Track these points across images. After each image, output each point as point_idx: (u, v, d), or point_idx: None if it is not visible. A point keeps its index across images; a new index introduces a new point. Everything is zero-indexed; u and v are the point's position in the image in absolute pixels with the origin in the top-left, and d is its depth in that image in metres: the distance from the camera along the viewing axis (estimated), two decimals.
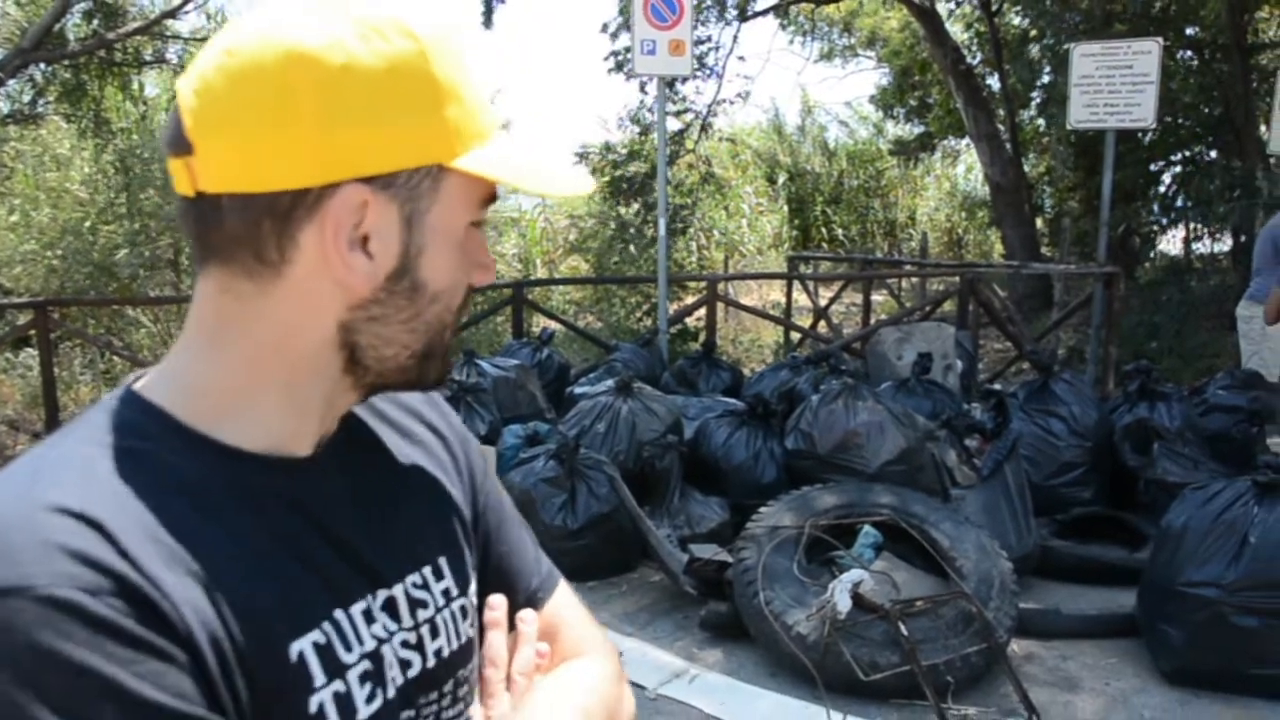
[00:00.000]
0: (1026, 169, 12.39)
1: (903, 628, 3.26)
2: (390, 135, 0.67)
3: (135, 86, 12.26)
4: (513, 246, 14.11)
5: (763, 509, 3.98)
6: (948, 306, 8.10)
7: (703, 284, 8.23)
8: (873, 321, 8.89)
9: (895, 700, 3.26)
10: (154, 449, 0.68)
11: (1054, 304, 9.33)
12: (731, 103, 11.20)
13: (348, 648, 0.72)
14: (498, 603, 0.85)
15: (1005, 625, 3.45)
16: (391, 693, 0.74)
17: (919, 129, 17.96)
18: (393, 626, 0.76)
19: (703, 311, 7.74)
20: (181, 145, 0.67)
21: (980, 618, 3.38)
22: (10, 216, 8.33)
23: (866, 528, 3.87)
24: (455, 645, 0.82)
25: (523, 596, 0.93)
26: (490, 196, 0.75)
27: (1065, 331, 9.45)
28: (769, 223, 19.40)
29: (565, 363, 6.81)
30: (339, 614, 0.72)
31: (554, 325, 7.82)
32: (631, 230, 10.75)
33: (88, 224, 7.81)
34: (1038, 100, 10.52)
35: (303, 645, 0.69)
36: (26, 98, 12.01)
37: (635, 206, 10.94)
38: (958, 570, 3.63)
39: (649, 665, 3.60)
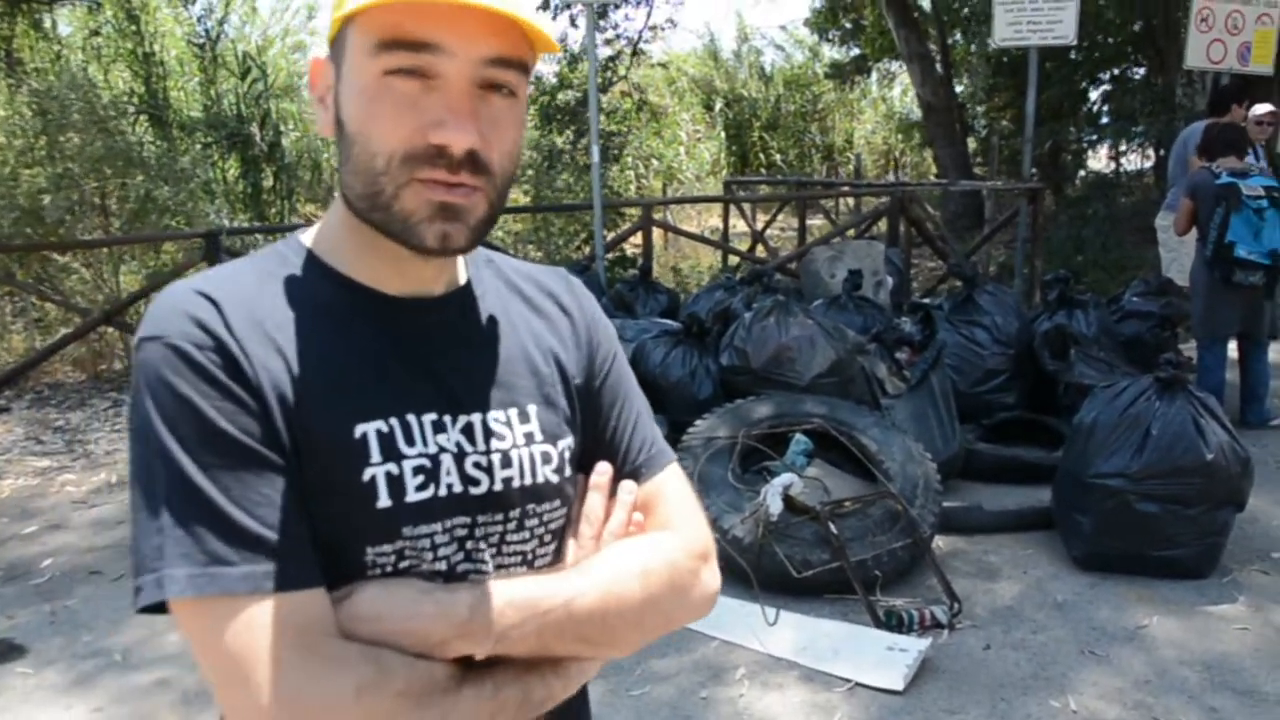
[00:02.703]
0: (959, 89, 12.53)
1: (832, 527, 3.42)
2: (332, 11, 0.83)
3: (49, 25, 11.83)
4: None
5: (699, 421, 4.11)
6: (881, 226, 8.25)
7: (639, 210, 8.26)
8: (808, 243, 9.00)
9: (827, 595, 3.44)
10: (289, 272, 0.88)
11: (985, 221, 9.53)
12: (663, 29, 11.11)
13: (409, 443, 0.85)
14: (603, 469, 0.98)
15: (929, 522, 3.64)
16: (443, 492, 0.86)
17: (855, 52, 17.98)
18: (468, 447, 0.88)
19: (640, 238, 7.79)
20: None
21: (905, 516, 3.56)
22: None
23: (798, 436, 4.02)
24: (529, 481, 0.92)
25: (627, 468, 1.01)
26: (387, 41, 0.78)
27: (996, 248, 9.68)
28: (706, 149, 19.40)
29: None
30: (409, 417, 0.86)
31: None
32: (565, 158, 10.70)
33: (8, 169, 7.59)
34: (965, 18, 10.60)
35: (367, 428, 0.83)
36: None
37: (568, 134, 10.88)
38: (885, 473, 3.80)
39: None
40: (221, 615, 0.76)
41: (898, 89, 21.20)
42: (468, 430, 0.89)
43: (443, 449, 0.87)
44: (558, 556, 0.96)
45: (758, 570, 3.44)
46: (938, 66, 11.63)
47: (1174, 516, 3.45)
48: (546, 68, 11.45)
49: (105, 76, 11.42)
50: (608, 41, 10.88)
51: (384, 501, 0.83)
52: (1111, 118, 9.95)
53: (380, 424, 0.84)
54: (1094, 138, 10.13)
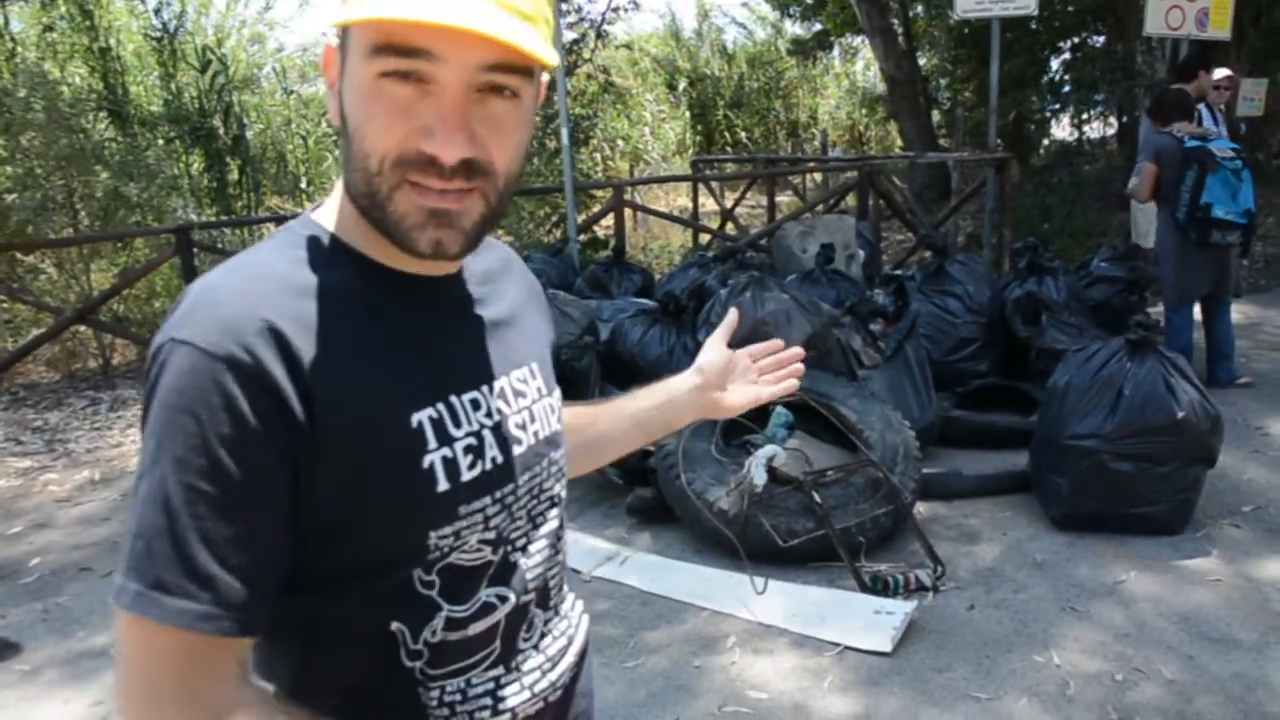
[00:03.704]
0: (922, 62, 12.60)
1: (816, 496, 3.48)
2: (340, 8, 0.81)
3: (0, 22, 11.59)
4: None
5: None
6: (850, 200, 8.32)
7: (609, 191, 8.27)
8: (778, 219, 9.06)
9: (813, 564, 3.51)
10: (320, 259, 0.87)
11: (952, 192, 9.62)
12: (628, 10, 11.09)
13: (457, 425, 0.89)
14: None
15: (910, 488, 3.71)
16: (489, 465, 0.91)
17: (817, 28, 18.00)
18: (506, 409, 0.94)
19: (611, 219, 7.81)
20: None
21: (887, 483, 3.63)
22: None
23: (778, 408, 4.07)
24: (549, 431, 1.00)
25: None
26: (382, 45, 0.78)
27: (964, 219, 9.78)
28: (672, 130, 19.40)
29: None
30: (453, 398, 0.89)
31: None
32: (534, 144, 10.67)
33: None
34: None
35: (421, 416, 0.86)
36: None
37: (536, 118, 10.84)
38: (865, 442, 3.87)
39: (583, 552, 3.78)
40: (147, 638, 0.77)
41: (860, 64, 21.26)
42: (503, 394, 0.95)
43: (483, 425, 0.91)
44: (563, 497, 1.06)
45: (744, 541, 3.49)
46: (900, 40, 11.69)
47: (1147, 475, 3.54)
48: None
49: (62, 73, 11.24)
50: (571, 25, 10.84)
51: (443, 485, 0.86)
52: (1072, 86, 10.04)
53: (430, 411, 0.87)
54: (1056, 107, 10.23)
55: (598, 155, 15.72)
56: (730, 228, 9.37)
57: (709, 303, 5.05)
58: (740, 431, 4.08)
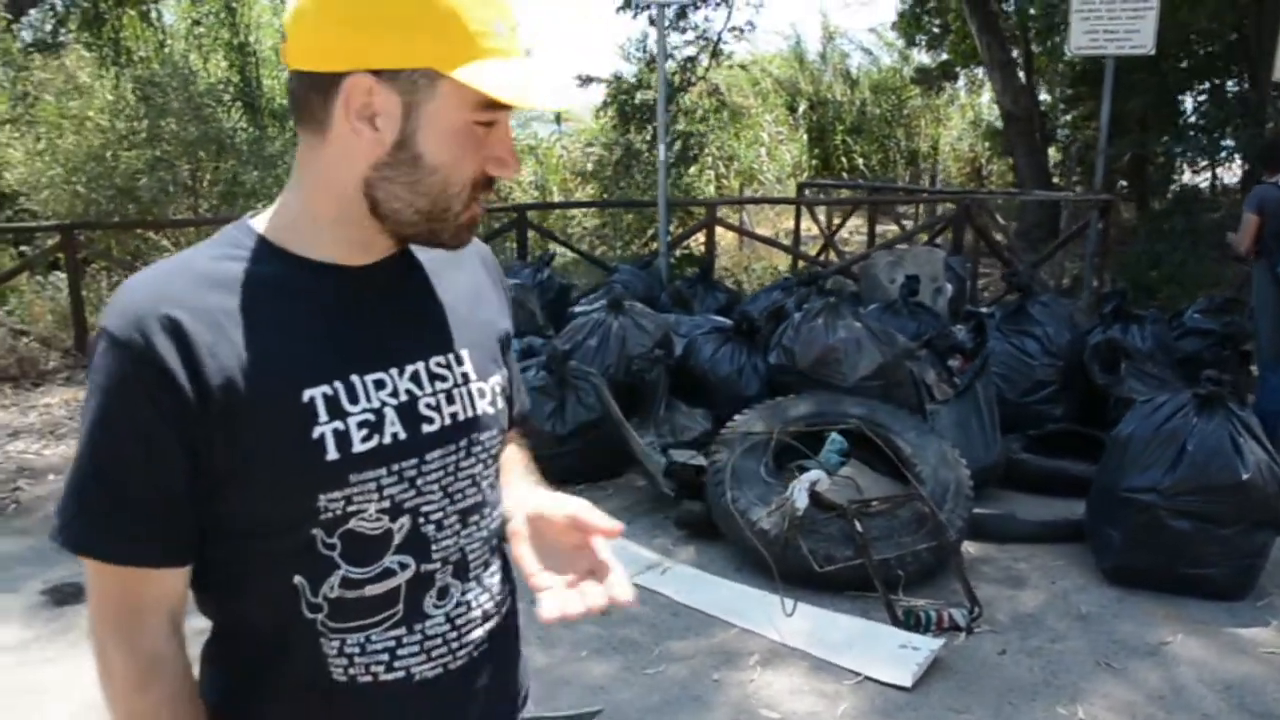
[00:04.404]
0: (1043, 97, 12.29)
1: (858, 525, 3.48)
2: (391, 42, 0.92)
3: (154, 15, 12.35)
4: (529, 174, 14.24)
5: (738, 416, 4.20)
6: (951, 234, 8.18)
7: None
8: (874, 247, 8.97)
9: (850, 592, 3.50)
10: (242, 255, 0.99)
11: (1060, 233, 9.37)
12: (743, 30, 11.15)
13: (354, 401, 0.98)
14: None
15: (957, 526, 3.66)
16: (388, 440, 1.00)
17: (944, 57, 17.73)
18: (418, 391, 1.03)
19: (715, 236, 7.86)
20: (285, 34, 0.98)
21: (933, 518, 3.60)
22: (37, 144, 8.56)
23: (834, 435, 4.08)
24: (470, 414, 1.08)
25: (517, 405, 1.27)
26: (488, 103, 0.95)
27: (1071, 260, 9.51)
28: (789, 151, 19.33)
29: (566, 283, 7.00)
30: (354, 378, 0.99)
31: (559, 248, 7.97)
32: (643, 157, 10.83)
33: (109, 151, 8.02)
34: (1044, 26, 10.37)
35: (314, 393, 0.96)
36: (48, 27, 12.18)
37: (646, 134, 11.00)
38: (916, 475, 3.84)
39: (626, 558, 3.81)
40: (94, 570, 0.97)
41: (986, 95, 20.81)
42: (415, 377, 1.04)
43: (385, 404, 1.01)
44: (495, 477, 1.15)
45: (782, 563, 3.51)
46: (1020, 74, 11.44)
47: (1206, 535, 3.42)
48: (627, 67, 11.62)
49: (205, 65, 11.95)
50: (688, 42, 10.98)
51: (333, 455, 0.96)
52: (1200, 130, 9.66)
53: (325, 388, 0.97)
54: (1179, 150, 9.84)
55: (710, 173, 15.79)
56: (830, 253, 9.31)
57: (783, 325, 5.07)
58: (796, 455, 4.09)
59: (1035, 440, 4.74)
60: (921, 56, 19.77)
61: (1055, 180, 11.91)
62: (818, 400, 4.28)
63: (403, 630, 1.03)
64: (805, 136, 20.14)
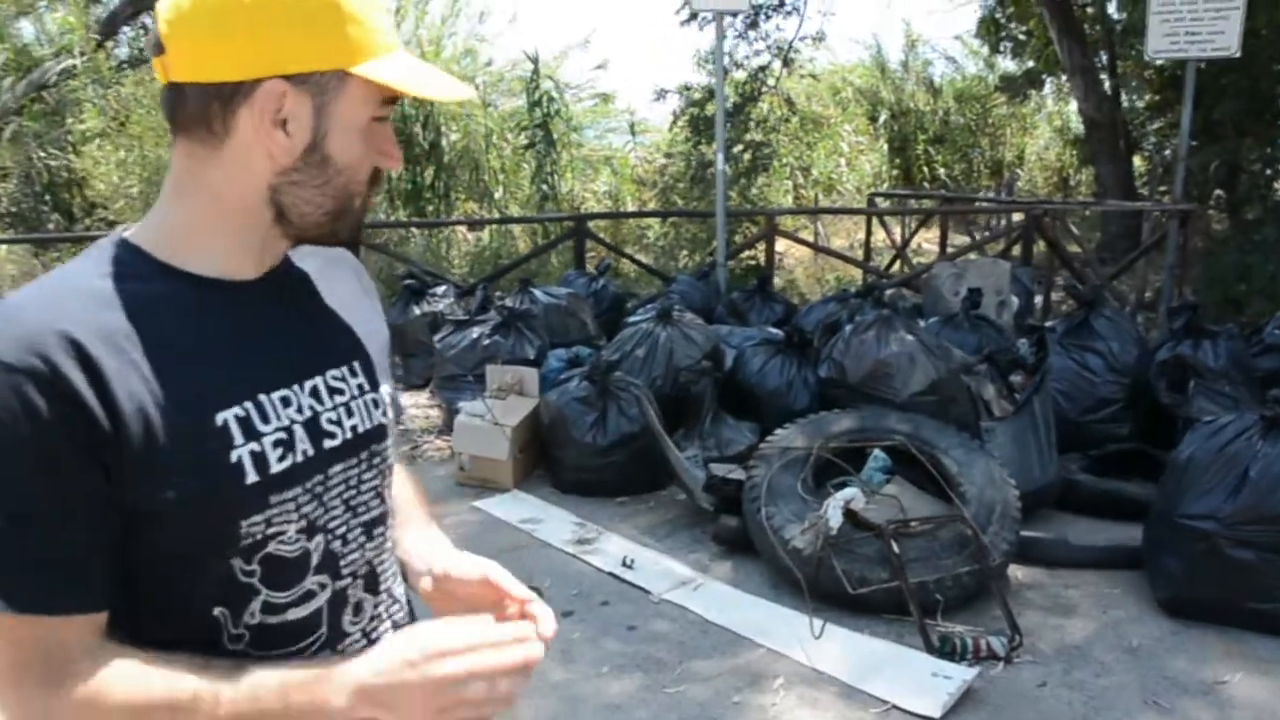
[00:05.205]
0: (1125, 103, 11.84)
1: (894, 546, 3.35)
2: (303, 45, 0.92)
3: None
4: (604, 184, 14.28)
5: (779, 430, 4.10)
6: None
7: (782, 219, 8.22)
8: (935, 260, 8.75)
9: (885, 615, 3.38)
10: (128, 274, 0.93)
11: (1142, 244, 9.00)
12: (816, 39, 11.00)
13: (265, 421, 0.95)
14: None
15: (1001, 550, 3.51)
16: (299, 458, 0.97)
17: (1030, 64, 17.26)
18: (319, 406, 1.01)
19: (768, 246, 7.76)
20: (158, 48, 0.93)
21: (975, 540, 3.45)
22: (125, 155, 8.86)
23: (876, 451, 3.95)
24: (368, 425, 1.06)
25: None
26: (389, 98, 0.97)
27: (1155, 273, 9.13)
28: (868, 162, 19.03)
29: (621, 293, 6.97)
30: (262, 396, 0.96)
31: (620, 259, 7.94)
32: (713, 168, 10.74)
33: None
34: (1122, 30, 9.99)
35: (227, 415, 0.93)
36: (140, 43, 12.65)
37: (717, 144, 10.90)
38: (961, 495, 3.69)
39: (659, 573, 3.79)
40: (6, 629, 0.87)
41: (1074, 103, 20.19)
42: (315, 392, 1.01)
43: (294, 421, 0.98)
44: (394, 487, 1.14)
45: (814, 583, 3.41)
46: (1103, 80, 11.04)
47: (1272, 566, 3.20)
48: (698, 79, 11.55)
49: None
50: (757, 52, 10.89)
51: (252, 477, 0.93)
52: None
53: (237, 409, 0.94)
54: (1273, 157, 9.36)
55: (788, 183, 15.61)
56: (898, 264, 9.11)
57: (834, 338, 4.95)
58: (836, 472, 3.97)
59: (1096, 461, 4.52)
60: (1007, 63, 19.30)
61: (1141, 190, 11.45)
62: (861, 416, 4.16)
63: (329, 653, 1.01)
64: (886, 146, 19.81)
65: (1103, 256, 9.21)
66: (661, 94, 11.17)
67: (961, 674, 2.97)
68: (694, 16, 10.02)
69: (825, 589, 3.41)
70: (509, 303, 5.86)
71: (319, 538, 1.00)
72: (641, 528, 4.28)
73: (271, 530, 0.95)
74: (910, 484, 3.92)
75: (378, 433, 1.08)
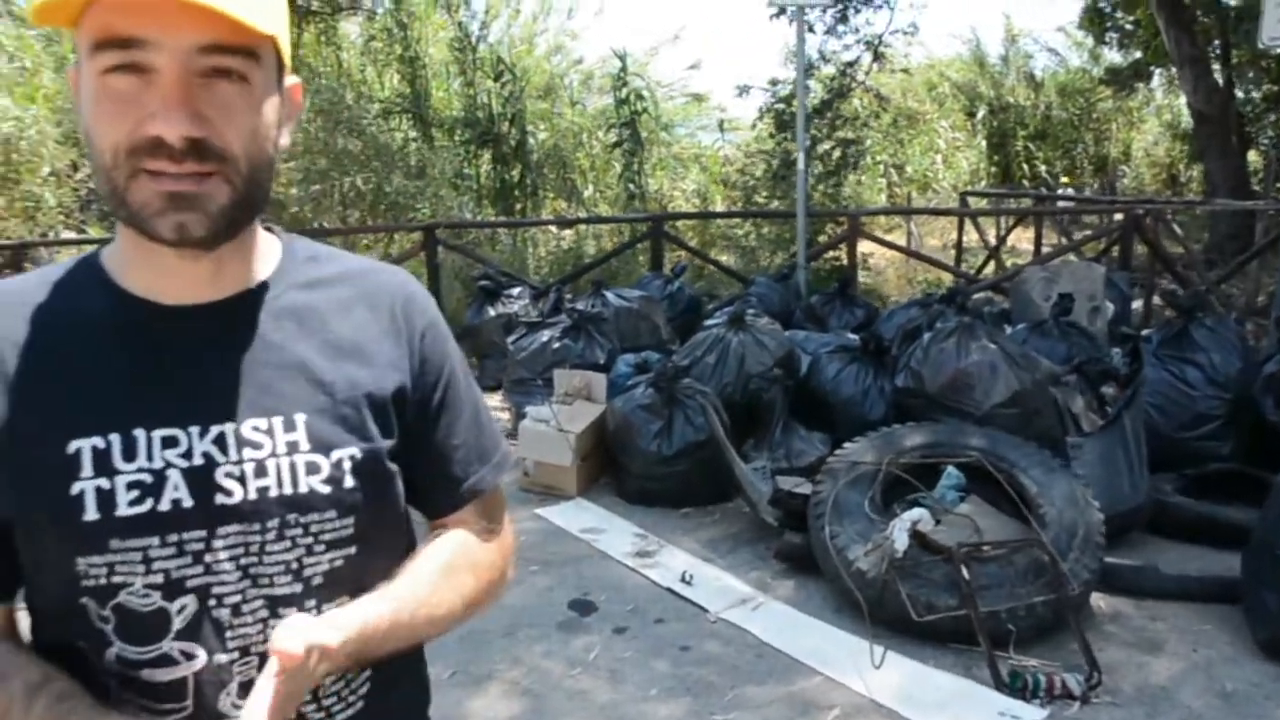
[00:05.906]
0: (1240, 94, 11.17)
1: (965, 571, 3.17)
2: (65, 14, 0.82)
3: (340, 33, 12.92)
4: (693, 182, 14.16)
5: (848, 444, 3.94)
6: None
7: (867, 219, 7.98)
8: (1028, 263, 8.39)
9: (952, 645, 3.19)
10: (70, 286, 0.92)
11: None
12: (907, 32, 10.66)
13: (129, 459, 0.86)
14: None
15: (1082, 578, 3.28)
16: (165, 506, 0.87)
17: (1137, 55, 16.50)
18: (220, 457, 0.89)
19: (850, 248, 7.54)
20: None
21: (1053, 567, 3.24)
22: None
23: (950, 469, 3.76)
24: (288, 491, 0.91)
25: (459, 478, 1.07)
26: (100, 41, 0.81)
27: (1270, 275, 8.60)
28: (965, 159, 18.47)
29: (696, 296, 6.84)
30: (136, 431, 0.87)
31: (702, 261, 7.81)
32: (781, 166, 10.54)
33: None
34: (1235, 17, 9.40)
35: (82, 444, 0.86)
36: None
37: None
38: (1040, 518, 3.47)
39: (718, 590, 3.67)
40: None
41: (1184, 96, 19.28)
42: (220, 440, 0.90)
43: (170, 464, 0.88)
44: (348, 568, 0.95)
45: (877, 607, 3.25)
46: (1214, 72, 10.45)
47: None
48: (785, 74, 11.32)
49: (380, 79, 12.45)
50: (846, 47, 10.63)
51: (91, 515, 0.85)
52: None
53: (98, 439, 0.87)
54: None
55: (883, 180, 15.25)
56: (991, 266, 8.77)
57: (912, 346, 4.74)
58: (908, 489, 3.79)
59: (1193, 481, 4.22)
60: (1113, 55, 18.50)
61: (1256, 188, 10.81)
62: (935, 430, 3.96)
63: None
64: (984, 143, 19.21)
65: (1211, 259, 8.71)
66: (744, 89, 10.97)
67: (1032, 714, 2.78)
68: (782, 11, 9.82)
69: (889, 614, 3.24)
70: (580, 305, 5.80)
71: (186, 599, 0.88)
72: (704, 541, 4.16)
73: (116, 579, 0.87)
74: (986, 504, 3.71)
75: (304, 501, 0.92)
